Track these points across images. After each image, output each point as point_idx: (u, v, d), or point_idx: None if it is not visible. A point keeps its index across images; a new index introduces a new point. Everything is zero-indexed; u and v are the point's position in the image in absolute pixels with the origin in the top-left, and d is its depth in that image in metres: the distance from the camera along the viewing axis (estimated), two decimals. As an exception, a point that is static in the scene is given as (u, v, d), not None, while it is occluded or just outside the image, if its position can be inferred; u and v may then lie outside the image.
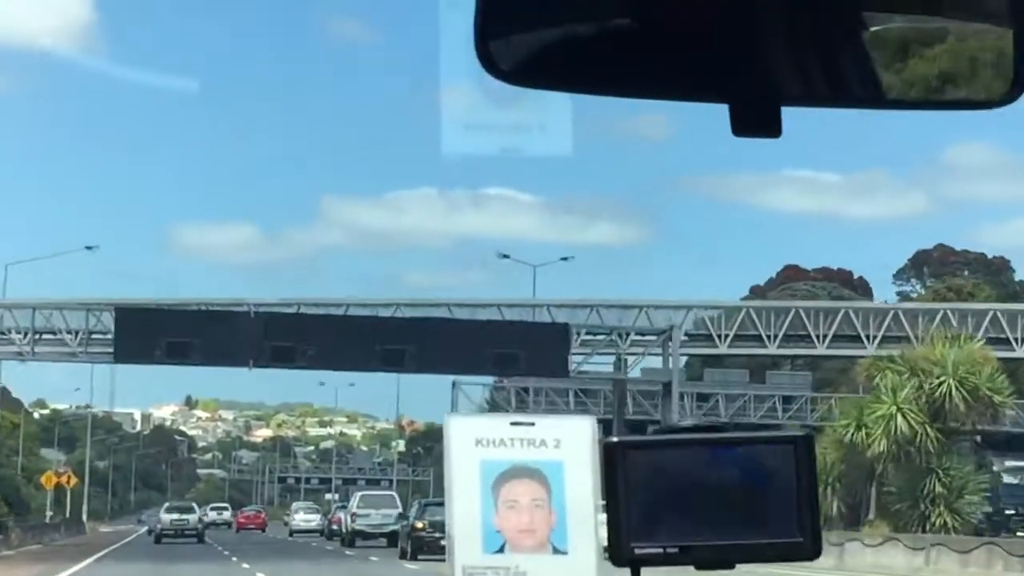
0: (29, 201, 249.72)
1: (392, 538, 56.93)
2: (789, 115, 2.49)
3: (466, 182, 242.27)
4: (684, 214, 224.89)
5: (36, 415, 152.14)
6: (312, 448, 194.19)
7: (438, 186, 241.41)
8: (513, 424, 2.72)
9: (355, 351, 51.82)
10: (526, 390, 75.20)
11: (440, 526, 43.47)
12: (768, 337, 58.99)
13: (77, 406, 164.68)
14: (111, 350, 52.91)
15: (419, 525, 46.38)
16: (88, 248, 70.66)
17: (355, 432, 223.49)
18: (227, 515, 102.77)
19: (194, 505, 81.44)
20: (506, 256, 75.90)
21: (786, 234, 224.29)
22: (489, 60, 2.43)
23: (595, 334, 56.32)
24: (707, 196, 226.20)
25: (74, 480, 78.45)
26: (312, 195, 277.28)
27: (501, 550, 2.65)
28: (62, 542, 66.95)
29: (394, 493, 72.98)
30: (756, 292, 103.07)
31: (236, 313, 53.41)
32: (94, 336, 54.50)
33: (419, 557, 44.07)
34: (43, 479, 78.81)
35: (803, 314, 59.44)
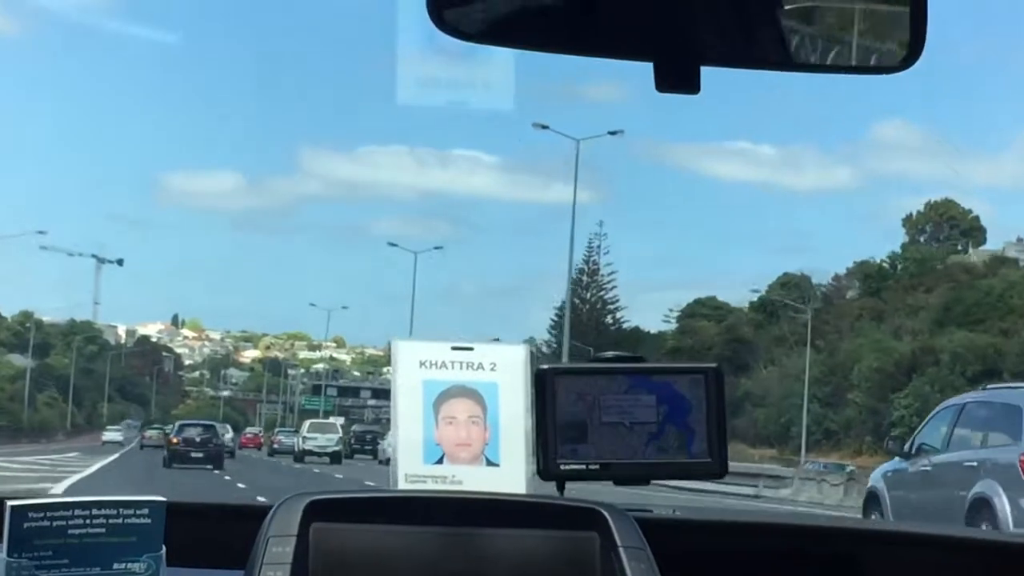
0: (11, 149, 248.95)
1: (334, 457, 70.26)
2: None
3: (432, 142, 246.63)
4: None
5: (9, 318, 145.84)
6: (303, 371, 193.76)
7: (407, 143, 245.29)
8: (454, 348, 2.97)
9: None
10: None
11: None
12: None
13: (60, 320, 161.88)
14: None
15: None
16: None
17: (344, 357, 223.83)
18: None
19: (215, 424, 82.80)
20: None
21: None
22: (438, 15, 2.68)
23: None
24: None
25: None
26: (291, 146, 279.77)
27: (440, 461, 2.91)
28: None
29: (335, 422, 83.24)
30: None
31: None
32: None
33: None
34: None
35: None
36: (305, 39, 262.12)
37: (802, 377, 73.88)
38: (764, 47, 2.66)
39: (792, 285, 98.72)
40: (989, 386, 20.80)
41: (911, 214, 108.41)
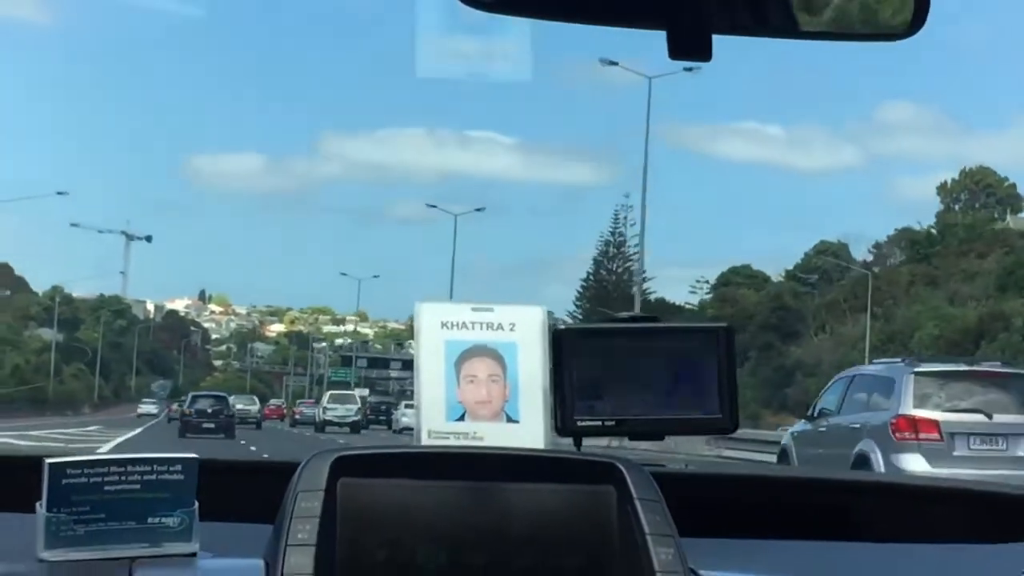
0: (42, 129, 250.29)
1: (354, 427, 71.54)
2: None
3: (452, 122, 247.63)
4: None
5: (39, 293, 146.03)
6: (327, 344, 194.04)
7: (426, 126, 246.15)
8: (474, 309, 3.04)
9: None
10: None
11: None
12: None
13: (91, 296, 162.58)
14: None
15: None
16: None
17: (368, 331, 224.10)
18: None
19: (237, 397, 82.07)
20: None
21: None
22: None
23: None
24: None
25: None
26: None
27: (462, 418, 3.00)
28: None
29: (354, 393, 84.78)
30: None
31: None
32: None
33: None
34: None
35: None
36: (325, 21, 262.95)
37: (859, 345, 70.67)
38: (775, 15, 2.74)
39: (830, 253, 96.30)
40: (875, 360, 23.64)
41: (945, 182, 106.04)
